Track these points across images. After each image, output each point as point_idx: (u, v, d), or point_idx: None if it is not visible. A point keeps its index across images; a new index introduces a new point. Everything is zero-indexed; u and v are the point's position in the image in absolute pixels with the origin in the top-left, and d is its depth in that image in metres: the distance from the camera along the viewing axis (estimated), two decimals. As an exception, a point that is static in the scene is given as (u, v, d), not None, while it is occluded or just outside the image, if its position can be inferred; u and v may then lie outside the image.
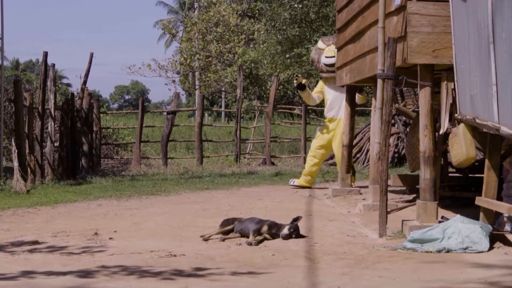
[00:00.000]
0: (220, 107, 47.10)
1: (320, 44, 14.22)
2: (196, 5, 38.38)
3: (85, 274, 6.42)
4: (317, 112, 32.05)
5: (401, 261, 7.06)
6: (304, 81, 13.98)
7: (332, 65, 13.64)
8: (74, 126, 16.78)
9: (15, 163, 13.85)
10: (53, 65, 15.73)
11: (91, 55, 18.00)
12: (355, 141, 18.68)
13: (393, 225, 8.68)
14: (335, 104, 13.76)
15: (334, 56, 13.53)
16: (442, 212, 9.05)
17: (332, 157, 20.14)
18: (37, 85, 20.31)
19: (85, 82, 17.94)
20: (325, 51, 13.90)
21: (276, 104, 26.33)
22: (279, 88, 29.07)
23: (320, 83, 14.22)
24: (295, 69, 32.78)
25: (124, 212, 10.62)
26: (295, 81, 13.91)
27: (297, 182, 13.98)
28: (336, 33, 13.27)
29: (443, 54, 8.32)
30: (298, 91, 14.16)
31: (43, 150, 15.23)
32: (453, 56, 8.17)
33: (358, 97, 13.21)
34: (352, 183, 13.39)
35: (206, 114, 39.91)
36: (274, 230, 8.27)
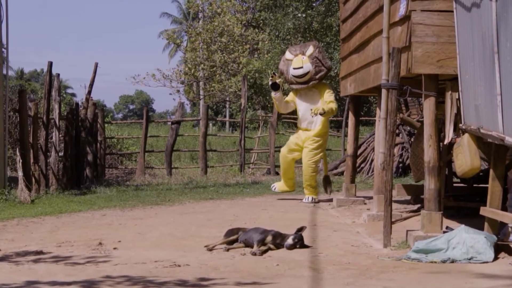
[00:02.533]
0: (225, 117, 47.16)
1: (288, 54, 13.72)
2: (200, 15, 38.43)
3: (90, 284, 6.41)
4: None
5: (405, 272, 7.04)
6: (279, 80, 13.49)
7: (299, 76, 13.32)
8: (78, 136, 16.80)
9: (20, 173, 13.86)
10: (58, 75, 15.75)
11: (96, 65, 18.02)
12: (359, 151, 18.68)
13: (398, 235, 8.66)
14: (307, 114, 13.33)
15: (302, 67, 13.26)
16: (447, 222, 9.04)
17: (337, 167, 20.16)
18: (41, 95, 20.35)
19: (89, 92, 17.95)
20: (293, 61, 13.45)
21: (281, 114, 26.33)
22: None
23: (291, 94, 13.77)
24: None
25: (128, 222, 10.62)
26: (270, 79, 13.47)
27: (277, 187, 13.83)
28: (341, 43, 13.28)
29: (447, 64, 8.32)
30: (271, 92, 13.61)
31: (48, 160, 15.23)
32: (458, 66, 8.17)
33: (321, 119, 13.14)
34: (329, 194, 13.52)
35: (210, 124, 39.92)
36: (278, 240, 8.26)
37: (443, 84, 8.84)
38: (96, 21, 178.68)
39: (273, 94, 13.52)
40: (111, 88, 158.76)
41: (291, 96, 13.71)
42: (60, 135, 16.16)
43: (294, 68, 13.35)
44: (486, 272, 6.97)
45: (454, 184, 12.04)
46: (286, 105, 13.60)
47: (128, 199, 13.77)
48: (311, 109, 13.08)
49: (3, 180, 14.61)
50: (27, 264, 7.40)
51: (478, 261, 7.38)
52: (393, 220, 8.63)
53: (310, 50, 13.42)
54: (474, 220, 8.71)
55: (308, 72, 13.27)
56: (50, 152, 15.45)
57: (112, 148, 23.56)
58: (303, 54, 13.41)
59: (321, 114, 13.00)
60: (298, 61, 13.34)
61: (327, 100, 13.18)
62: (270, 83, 13.46)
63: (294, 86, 13.54)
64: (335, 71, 31.60)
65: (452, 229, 8.06)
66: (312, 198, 13.19)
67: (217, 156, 25.10)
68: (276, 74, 13.50)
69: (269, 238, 8.25)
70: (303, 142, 13.36)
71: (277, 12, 33.13)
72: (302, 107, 13.45)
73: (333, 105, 13.12)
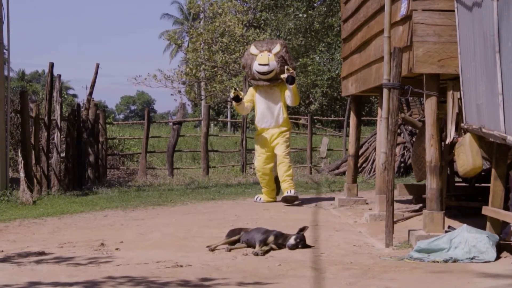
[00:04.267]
0: (226, 117, 47.13)
1: (253, 49, 13.45)
2: (201, 15, 38.42)
3: (92, 285, 6.41)
4: (322, 122, 32.09)
5: (407, 271, 7.04)
6: (241, 94, 13.33)
7: (264, 73, 13.10)
8: (80, 137, 16.80)
9: (21, 174, 13.86)
10: (59, 76, 15.75)
11: (97, 66, 18.03)
12: (361, 151, 18.68)
13: (400, 235, 8.66)
14: (268, 112, 13.15)
15: (267, 64, 13.06)
16: (449, 221, 9.03)
17: (338, 167, 20.16)
18: (43, 96, 20.35)
19: (91, 93, 17.96)
20: (258, 57, 13.22)
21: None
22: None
23: (251, 90, 13.56)
24: (301, 79, 32.84)
25: (130, 222, 10.62)
26: (232, 94, 13.27)
27: (263, 198, 13.36)
28: (342, 43, 13.28)
29: (449, 63, 8.32)
30: (233, 102, 13.36)
31: (49, 161, 15.23)
32: (459, 66, 8.17)
33: (289, 89, 12.81)
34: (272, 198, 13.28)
35: (212, 124, 39.92)
36: (280, 240, 8.27)
37: (445, 84, 8.84)
38: (97, 22, 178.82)
39: (234, 103, 13.37)
40: (112, 89, 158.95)
41: (250, 93, 13.51)
42: (61, 136, 16.16)
43: (260, 64, 13.13)
44: (488, 271, 6.97)
45: (456, 184, 12.03)
46: (247, 108, 13.48)
47: (130, 199, 13.76)
48: (286, 68, 12.80)
49: (5, 181, 14.62)
50: (29, 265, 7.40)
51: (480, 261, 7.38)
52: (395, 219, 8.63)
53: (277, 48, 13.25)
54: (476, 220, 8.71)
55: (273, 70, 13.07)
56: (51, 153, 15.45)
57: (114, 149, 23.56)
58: (269, 51, 13.21)
59: (291, 75, 12.74)
60: (264, 57, 13.13)
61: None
62: (232, 96, 13.28)
63: (255, 82, 13.34)
64: (337, 71, 31.67)
65: (454, 229, 8.06)
66: (295, 191, 12.92)
67: (218, 156, 25.11)
68: (237, 90, 13.26)
69: (271, 238, 8.25)
70: (271, 142, 13.14)
71: (278, 13, 33.17)
72: (262, 105, 13.26)
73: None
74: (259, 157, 13.28)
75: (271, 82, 13.18)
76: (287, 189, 12.83)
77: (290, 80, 12.77)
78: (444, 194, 9.58)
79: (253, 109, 13.63)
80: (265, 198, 13.35)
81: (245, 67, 13.60)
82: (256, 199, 13.41)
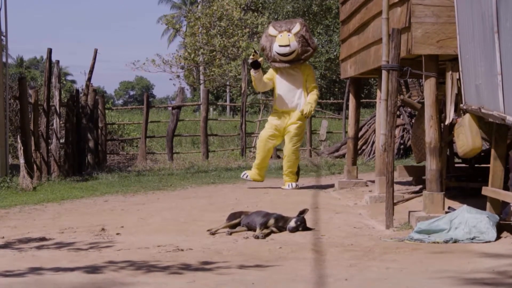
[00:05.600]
0: (225, 101, 47.09)
1: (271, 30, 12.90)
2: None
3: (93, 269, 6.43)
4: (322, 105, 32.04)
5: (408, 252, 7.05)
6: (260, 59, 12.79)
7: (285, 54, 12.59)
8: (79, 122, 16.80)
9: (21, 160, 13.86)
10: (58, 62, 15.73)
11: (95, 51, 18.01)
12: (360, 133, 18.66)
13: (400, 217, 8.68)
14: (288, 96, 12.70)
15: (288, 45, 12.56)
16: (449, 202, 9.04)
17: (338, 149, 20.17)
18: (41, 82, 20.34)
19: (89, 79, 17.94)
20: (278, 38, 12.67)
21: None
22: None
23: (271, 71, 12.98)
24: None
25: (130, 207, 10.63)
26: (251, 57, 12.70)
27: (250, 175, 12.96)
28: (340, 25, 13.23)
29: (447, 44, 8.31)
30: (251, 70, 12.66)
31: (49, 147, 15.23)
32: (458, 46, 8.15)
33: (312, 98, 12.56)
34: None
35: (211, 109, 39.90)
36: (281, 223, 8.27)
37: (444, 65, 8.83)
38: (95, 8, 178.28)
39: (252, 72, 12.65)
40: (111, 74, 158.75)
41: (270, 74, 12.96)
42: (61, 122, 16.16)
43: (280, 46, 12.60)
44: (488, 251, 6.98)
45: (456, 165, 12.03)
46: (265, 84, 12.90)
47: (130, 184, 13.78)
48: (301, 112, 12.52)
49: (5, 168, 14.63)
50: (30, 251, 7.41)
51: (480, 241, 7.40)
52: (395, 201, 8.64)
53: (297, 27, 12.74)
54: (476, 200, 8.72)
55: (294, 51, 12.62)
56: (51, 139, 15.45)
57: (113, 134, 23.57)
58: (289, 31, 12.71)
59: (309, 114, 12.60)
60: (284, 38, 12.63)
61: (310, 84, 12.74)
62: (250, 61, 12.74)
63: (277, 64, 12.78)
64: (335, 53, 31.59)
65: (454, 210, 8.07)
66: (296, 184, 12.78)
67: (218, 140, 25.13)
68: (257, 52, 12.79)
69: (271, 221, 8.26)
70: (286, 127, 12.75)
71: (276, -5, 33.03)
72: (283, 87, 12.77)
73: (316, 95, 12.72)
74: (269, 129, 12.81)
75: (292, 63, 12.69)
76: (289, 181, 12.76)
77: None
78: (444, 175, 9.59)
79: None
80: (253, 176, 12.91)
81: (264, 49, 12.94)
82: (243, 175, 13.04)
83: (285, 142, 12.83)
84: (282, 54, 12.63)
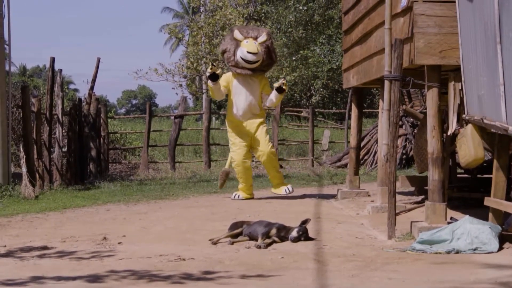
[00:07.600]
0: (227, 110, 47.02)
1: (237, 34, 12.46)
2: (202, 9, 38.37)
3: (95, 279, 6.42)
4: (324, 115, 32.07)
5: (410, 263, 7.05)
6: (219, 71, 12.44)
7: (251, 62, 12.27)
8: (81, 131, 16.80)
9: (24, 169, 13.87)
10: (60, 70, 15.74)
11: (98, 60, 18.03)
12: (362, 143, 18.68)
13: (402, 227, 8.66)
14: (246, 104, 12.44)
15: (257, 53, 12.30)
16: (451, 213, 9.04)
17: (340, 159, 20.16)
18: (44, 91, 20.33)
19: (92, 87, 17.97)
20: (245, 44, 12.32)
21: (283, 106, 26.33)
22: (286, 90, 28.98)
23: (228, 76, 12.64)
24: (302, 71, 32.81)
25: (132, 216, 10.63)
26: (209, 69, 12.16)
27: (241, 196, 12.61)
28: (343, 35, 13.25)
29: (450, 54, 8.32)
30: (208, 81, 12.30)
31: (51, 156, 15.23)
32: (460, 57, 8.16)
33: (275, 96, 12.28)
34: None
35: (213, 118, 39.90)
36: (283, 233, 8.27)
37: (446, 75, 8.83)
38: (97, 17, 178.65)
39: (210, 83, 12.29)
40: (113, 83, 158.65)
41: (225, 80, 12.59)
42: (63, 131, 16.16)
43: (249, 52, 12.24)
44: (491, 262, 6.97)
45: (458, 175, 12.02)
46: (222, 93, 12.60)
47: (132, 193, 13.77)
48: (283, 82, 12.30)
49: (7, 176, 14.62)
50: (32, 259, 7.41)
51: (483, 252, 7.38)
52: (397, 211, 8.63)
53: (264, 37, 12.50)
54: (478, 211, 8.71)
55: (259, 60, 12.39)
56: (53, 147, 15.45)
57: (116, 143, 23.57)
58: (255, 39, 12.48)
59: (284, 87, 12.32)
60: (252, 45, 12.34)
61: (267, 93, 12.51)
62: (208, 74, 12.22)
63: (238, 70, 12.39)
64: (337, 63, 31.64)
65: (456, 220, 8.06)
66: (291, 187, 12.70)
67: (220, 150, 25.10)
68: (215, 65, 12.33)
69: (273, 231, 8.25)
70: (252, 135, 12.50)
71: (279, 5, 33.13)
72: (240, 95, 12.49)
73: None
74: (239, 150, 12.47)
75: (254, 72, 12.51)
76: (285, 185, 12.70)
77: (280, 90, 12.34)
78: (446, 185, 9.58)
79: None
80: (244, 195, 12.65)
81: (225, 52, 12.55)
82: (234, 196, 12.67)
83: (260, 146, 12.52)
84: (248, 61, 12.35)
